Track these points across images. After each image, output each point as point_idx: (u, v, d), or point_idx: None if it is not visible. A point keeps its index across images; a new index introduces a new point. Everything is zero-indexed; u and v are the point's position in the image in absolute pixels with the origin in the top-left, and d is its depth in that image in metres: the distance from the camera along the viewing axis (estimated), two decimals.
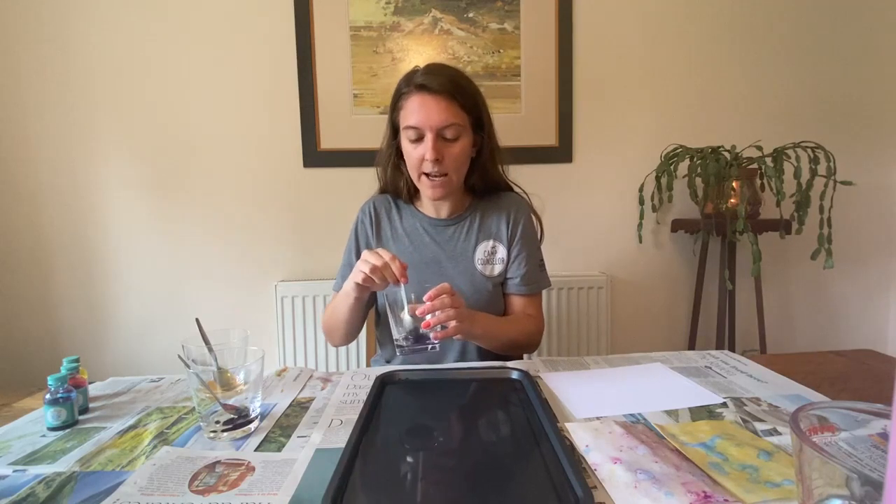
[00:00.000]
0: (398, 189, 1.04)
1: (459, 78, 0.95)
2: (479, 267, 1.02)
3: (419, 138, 0.92)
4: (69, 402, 0.64)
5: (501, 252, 1.03)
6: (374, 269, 0.79)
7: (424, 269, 1.00)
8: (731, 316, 1.65)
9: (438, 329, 0.77)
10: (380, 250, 0.81)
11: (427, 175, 0.94)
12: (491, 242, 1.03)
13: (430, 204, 1.03)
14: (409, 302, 0.79)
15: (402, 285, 0.79)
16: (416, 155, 0.93)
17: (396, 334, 0.79)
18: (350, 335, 1.00)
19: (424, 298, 0.77)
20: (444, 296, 0.78)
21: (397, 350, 0.79)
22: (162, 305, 1.68)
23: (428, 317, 0.77)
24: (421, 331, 0.77)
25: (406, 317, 0.78)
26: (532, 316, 1.04)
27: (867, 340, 1.87)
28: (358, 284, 0.83)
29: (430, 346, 0.78)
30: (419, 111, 0.91)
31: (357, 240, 1.06)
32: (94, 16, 1.57)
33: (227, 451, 0.56)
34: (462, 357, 1.00)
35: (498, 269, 1.03)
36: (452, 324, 0.78)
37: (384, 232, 1.05)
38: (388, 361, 1.06)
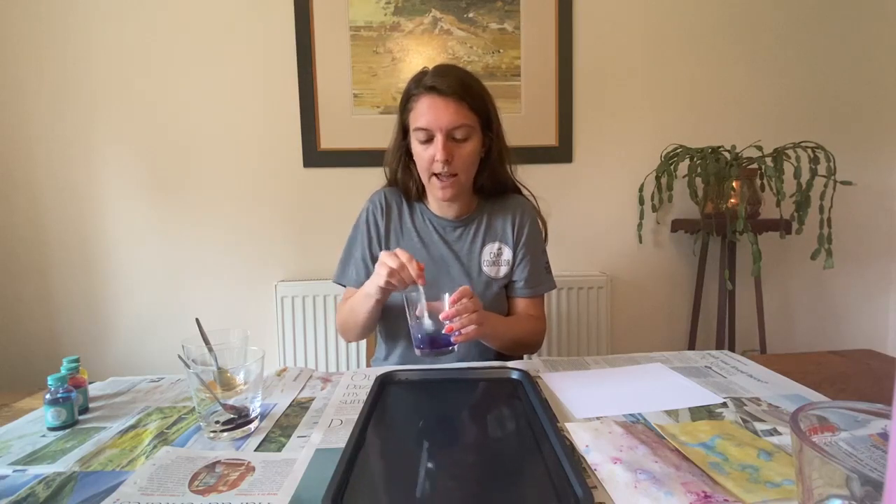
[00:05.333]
0: (408, 189, 1.04)
1: (469, 79, 0.95)
2: (485, 268, 1.03)
3: (429, 139, 0.93)
4: (69, 402, 0.64)
5: (507, 254, 1.04)
6: (391, 272, 0.79)
7: (432, 267, 1.01)
8: (731, 316, 1.65)
9: (458, 332, 0.77)
10: (398, 251, 0.81)
11: (437, 176, 0.95)
12: (497, 244, 1.04)
13: (439, 204, 1.04)
14: (423, 301, 0.78)
15: (421, 287, 0.79)
16: (427, 156, 0.94)
17: (416, 335, 0.79)
18: (367, 332, 1.01)
19: (448, 301, 0.77)
20: (465, 299, 0.78)
21: (416, 351, 0.79)
22: (162, 305, 1.68)
23: (449, 321, 0.76)
24: (441, 333, 0.77)
25: (426, 319, 0.78)
26: (535, 317, 1.04)
27: (867, 340, 1.87)
28: (381, 288, 0.83)
29: (450, 349, 0.78)
30: (429, 113, 0.91)
31: (369, 231, 1.05)
32: (94, 15, 1.57)
33: (227, 451, 0.56)
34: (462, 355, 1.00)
35: (503, 270, 1.04)
36: (472, 327, 0.77)
37: (393, 224, 1.05)
38: (386, 358, 1.06)
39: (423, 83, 0.93)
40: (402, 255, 0.80)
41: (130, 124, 1.62)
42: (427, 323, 0.78)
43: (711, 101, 1.76)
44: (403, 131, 1.00)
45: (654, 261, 1.81)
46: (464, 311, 0.77)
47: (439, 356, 0.79)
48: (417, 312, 0.78)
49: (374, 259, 1.03)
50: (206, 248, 1.68)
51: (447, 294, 0.78)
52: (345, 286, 1.07)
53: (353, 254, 1.06)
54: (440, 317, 0.76)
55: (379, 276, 0.82)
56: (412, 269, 0.79)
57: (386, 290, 0.85)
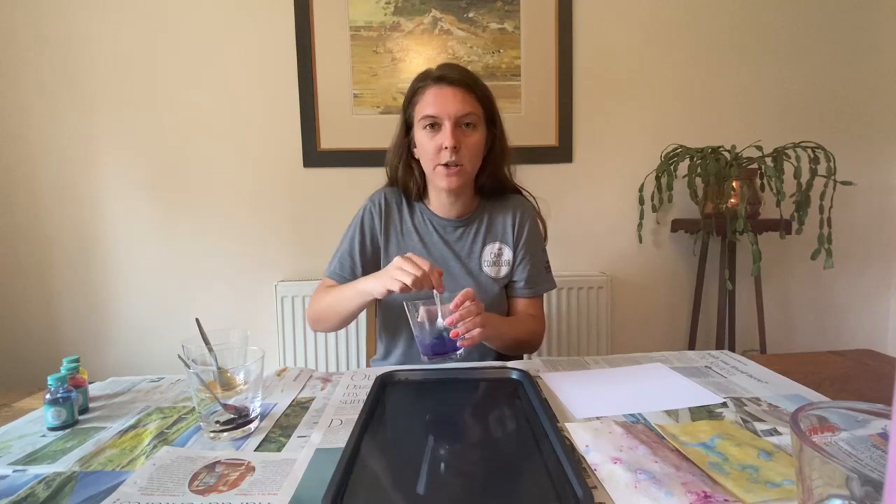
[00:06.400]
0: (408, 188, 1.04)
1: (474, 75, 0.97)
2: (486, 269, 1.03)
3: (437, 127, 0.93)
4: (69, 402, 0.64)
5: (507, 254, 1.04)
6: (415, 280, 0.77)
7: None
8: (731, 316, 1.65)
9: (463, 336, 0.76)
10: (414, 258, 0.80)
11: (443, 165, 0.94)
12: (497, 244, 1.04)
13: (440, 204, 1.03)
14: (425, 306, 0.78)
15: (437, 293, 0.78)
16: (434, 145, 0.93)
17: (421, 342, 0.78)
18: (342, 326, 1.00)
19: (451, 306, 0.77)
20: (467, 302, 0.77)
21: (424, 358, 0.78)
22: (162, 305, 1.68)
23: (455, 325, 0.76)
24: (445, 337, 0.76)
25: (429, 325, 0.77)
26: (534, 316, 1.04)
27: (867, 340, 1.87)
28: (398, 288, 0.80)
29: (458, 354, 0.78)
30: (437, 101, 0.92)
31: (363, 229, 1.04)
32: (95, 16, 1.57)
33: (227, 451, 0.56)
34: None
35: (504, 270, 1.04)
36: (477, 331, 0.77)
37: (393, 225, 1.04)
38: (386, 357, 1.06)
39: (431, 75, 0.94)
40: (423, 263, 0.79)
41: (130, 124, 1.62)
42: (431, 329, 0.77)
43: (711, 101, 1.75)
44: (406, 128, 1.00)
45: (654, 261, 1.81)
46: (467, 315, 0.76)
47: (446, 361, 0.79)
48: (420, 319, 0.78)
49: (363, 257, 1.02)
50: (206, 248, 1.68)
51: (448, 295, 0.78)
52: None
53: (342, 247, 1.05)
54: (445, 322, 0.76)
55: (393, 281, 0.79)
56: (434, 278, 0.78)
57: (391, 293, 0.83)
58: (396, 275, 0.80)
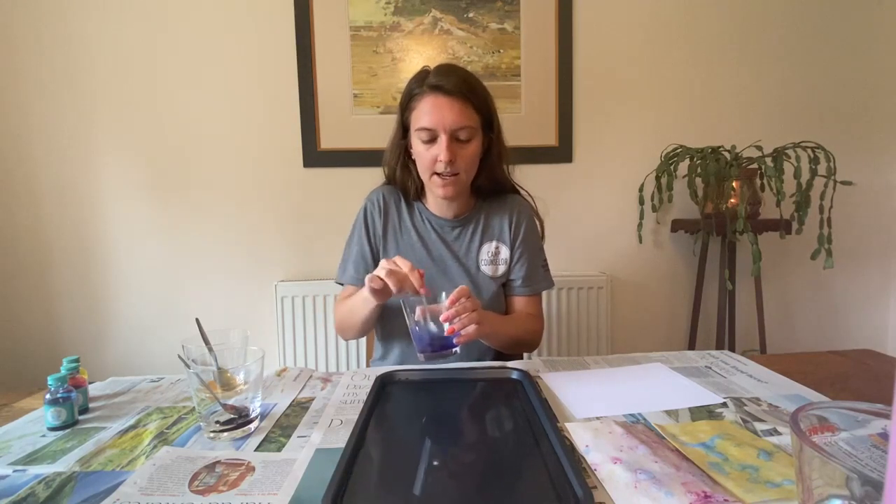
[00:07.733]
0: (406, 188, 1.04)
1: (472, 79, 0.95)
2: (483, 268, 1.03)
3: (432, 139, 0.92)
4: (69, 402, 0.64)
5: (505, 253, 1.04)
6: (394, 281, 0.78)
7: (431, 266, 1.01)
8: (731, 316, 1.65)
9: (459, 333, 0.76)
10: (398, 260, 0.80)
11: (438, 174, 0.94)
12: (495, 244, 1.04)
13: (437, 203, 1.03)
14: (421, 304, 0.78)
15: (422, 297, 0.78)
16: (429, 156, 0.93)
17: (417, 340, 0.78)
18: (364, 333, 1.01)
19: (447, 303, 0.77)
20: (463, 299, 0.77)
21: (420, 357, 0.78)
22: (162, 305, 1.68)
23: (447, 322, 0.76)
24: (443, 335, 0.76)
25: (425, 323, 0.77)
26: (533, 315, 1.05)
27: (867, 340, 1.87)
28: (374, 292, 0.81)
29: (453, 351, 0.78)
30: (433, 112, 0.91)
31: (367, 228, 1.04)
32: (95, 16, 1.57)
33: (227, 451, 0.56)
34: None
35: (502, 269, 1.04)
36: (473, 327, 0.77)
37: (391, 223, 1.05)
38: (384, 357, 1.06)
39: (427, 82, 0.92)
40: (404, 265, 0.79)
41: (131, 124, 1.62)
42: (427, 327, 0.77)
43: (711, 101, 1.76)
44: (403, 130, 1.00)
45: (654, 261, 1.81)
46: (463, 312, 0.77)
47: (442, 359, 0.79)
48: (417, 317, 0.78)
49: (373, 256, 1.03)
50: (206, 248, 1.68)
51: (444, 293, 0.78)
52: (343, 285, 1.07)
53: (352, 252, 1.06)
54: (440, 318, 0.76)
55: (374, 279, 0.80)
56: (414, 279, 0.78)
57: (381, 295, 0.83)
58: (377, 271, 0.80)
